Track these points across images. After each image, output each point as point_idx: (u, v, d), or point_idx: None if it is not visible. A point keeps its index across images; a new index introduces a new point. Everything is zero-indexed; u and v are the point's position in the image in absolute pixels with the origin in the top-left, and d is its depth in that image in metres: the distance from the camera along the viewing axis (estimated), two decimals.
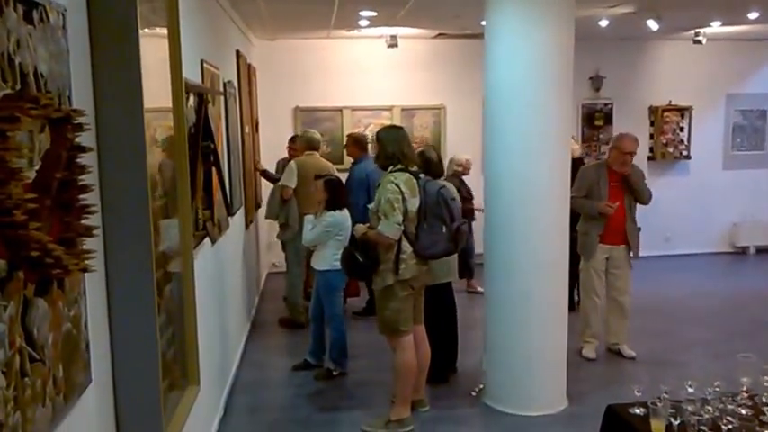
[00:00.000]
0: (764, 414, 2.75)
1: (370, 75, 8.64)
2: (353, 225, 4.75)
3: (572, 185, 4.92)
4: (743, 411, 2.72)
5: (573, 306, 5.78)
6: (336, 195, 5.14)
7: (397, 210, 4.07)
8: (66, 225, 1.69)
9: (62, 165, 1.67)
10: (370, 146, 6.41)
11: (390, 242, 4.12)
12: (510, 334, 4.59)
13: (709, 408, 2.69)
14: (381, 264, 4.17)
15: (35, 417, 1.52)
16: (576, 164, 5.67)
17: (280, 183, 6.47)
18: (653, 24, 7.16)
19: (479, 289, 7.22)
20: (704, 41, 8.22)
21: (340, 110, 8.67)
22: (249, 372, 5.44)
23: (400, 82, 8.73)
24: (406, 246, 4.17)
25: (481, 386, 4.89)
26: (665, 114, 9.35)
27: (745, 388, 2.88)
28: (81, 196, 1.75)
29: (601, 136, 9.19)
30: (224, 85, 5.24)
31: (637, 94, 9.28)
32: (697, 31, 8.11)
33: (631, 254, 5.54)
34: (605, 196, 5.41)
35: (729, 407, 2.71)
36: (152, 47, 2.35)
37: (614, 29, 7.60)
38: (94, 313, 1.97)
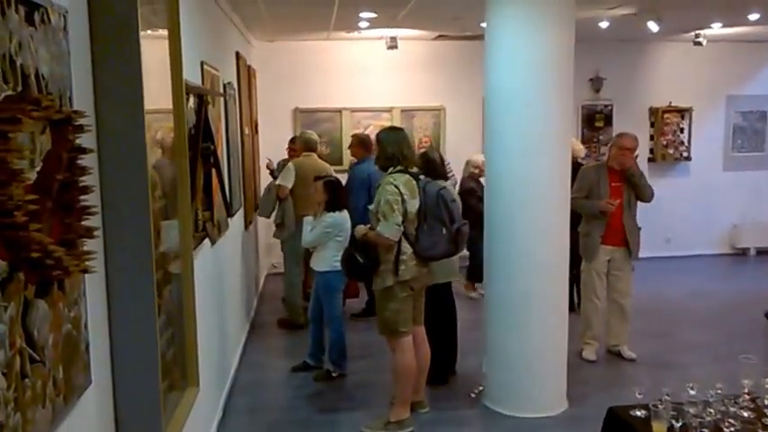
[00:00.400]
0: (766, 417, 2.74)
1: (369, 76, 8.64)
2: (354, 225, 4.75)
3: (572, 186, 4.91)
4: (745, 414, 2.72)
5: (573, 307, 5.78)
6: (336, 196, 5.14)
7: (397, 211, 4.07)
8: (67, 226, 1.69)
9: (63, 166, 1.67)
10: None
11: (390, 243, 4.12)
12: (510, 335, 4.59)
13: (711, 410, 2.69)
14: (381, 265, 4.17)
15: (35, 418, 1.52)
16: (577, 166, 5.66)
17: (277, 182, 6.47)
18: (653, 26, 7.15)
19: (473, 295, 7.24)
20: (704, 43, 8.22)
21: (340, 111, 8.66)
22: (248, 373, 5.43)
23: (400, 83, 8.73)
24: (406, 247, 4.17)
25: (481, 388, 4.88)
26: (666, 116, 9.35)
27: (746, 390, 2.87)
28: (82, 197, 1.75)
29: (601, 137, 9.18)
30: (224, 86, 5.24)
31: (637, 96, 9.27)
32: (697, 32, 8.11)
33: (631, 255, 5.52)
34: (605, 196, 5.39)
35: (731, 409, 2.71)
36: (152, 48, 2.35)
37: (614, 30, 7.59)
38: (94, 314, 1.96)
